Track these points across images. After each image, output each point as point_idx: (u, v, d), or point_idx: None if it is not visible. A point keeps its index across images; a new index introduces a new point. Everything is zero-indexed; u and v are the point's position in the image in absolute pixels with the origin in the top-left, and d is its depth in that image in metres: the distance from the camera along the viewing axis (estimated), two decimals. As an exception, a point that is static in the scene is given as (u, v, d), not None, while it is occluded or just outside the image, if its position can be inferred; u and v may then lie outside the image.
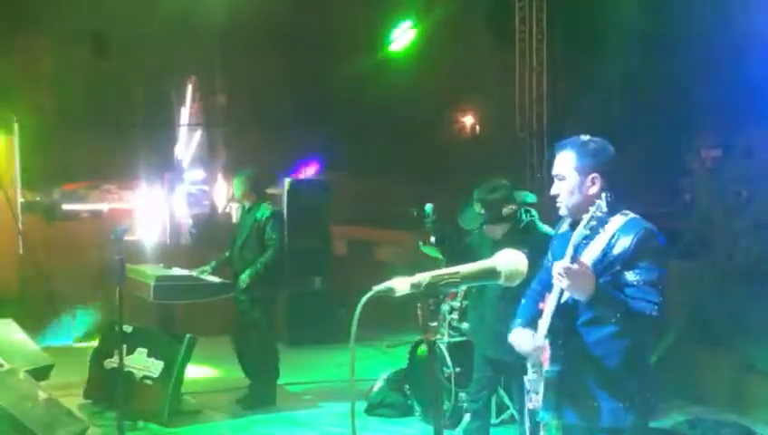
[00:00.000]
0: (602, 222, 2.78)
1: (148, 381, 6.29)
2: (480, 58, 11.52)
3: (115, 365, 6.47)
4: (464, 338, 6.05)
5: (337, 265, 9.58)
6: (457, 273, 2.13)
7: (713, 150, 8.18)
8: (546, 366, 2.91)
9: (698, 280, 7.12)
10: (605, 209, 2.75)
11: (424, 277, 2.08)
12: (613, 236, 2.88)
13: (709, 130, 7.46)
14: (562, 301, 2.89)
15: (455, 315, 6.29)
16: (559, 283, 2.79)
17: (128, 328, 6.42)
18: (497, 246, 4.73)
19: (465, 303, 6.04)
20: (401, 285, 2.07)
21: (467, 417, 5.06)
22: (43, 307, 9.43)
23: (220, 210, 14.92)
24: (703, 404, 6.40)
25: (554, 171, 3.07)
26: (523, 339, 3.07)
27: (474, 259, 4.76)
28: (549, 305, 2.92)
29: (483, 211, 4.72)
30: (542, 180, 9.99)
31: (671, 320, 6.99)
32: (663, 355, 6.77)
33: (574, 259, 2.78)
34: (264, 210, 6.64)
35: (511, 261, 2.16)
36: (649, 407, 2.97)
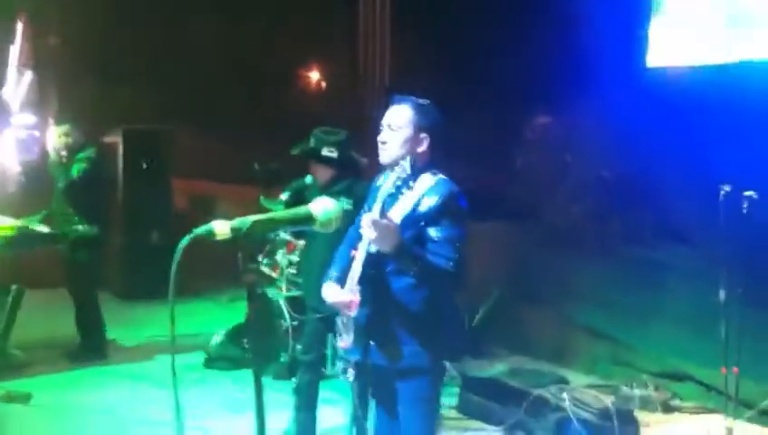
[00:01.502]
0: (406, 182, 2.99)
1: (-28, 335, 6.02)
2: (324, 11, 11.48)
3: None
4: (301, 292, 6.16)
5: (177, 219, 9.39)
6: (273, 218, 2.19)
7: (544, 118, 8.62)
8: (355, 311, 3.09)
9: (523, 241, 7.56)
10: (408, 172, 2.97)
11: (245, 221, 2.12)
12: (422, 194, 3.10)
13: (538, 96, 7.83)
14: (371, 251, 3.05)
15: (292, 269, 6.38)
16: (366, 235, 2.94)
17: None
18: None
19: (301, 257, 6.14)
20: (222, 227, 2.10)
21: (301, 369, 5.17)
22: None
23: (51, 157, 14.19)
24: (524, 355, 6.86)
25: (387, 121, 3.21)
26: (331, 292, 3.22)
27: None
28: (359, 254, 3.09)
29: (320, 148, 4.78)
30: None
31: (496, 278, 7.42)
32: (489, 312, 7.20)
33: (382, 213, 2.97)
34: (80, 163, 6.47)
35: (325, 209, 2.25)
36: (445, 350, 3.25)
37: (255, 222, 2.13)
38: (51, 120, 7.00)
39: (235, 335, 6.63)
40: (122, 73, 10.37)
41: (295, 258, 6.39)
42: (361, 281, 3.07)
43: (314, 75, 12.85)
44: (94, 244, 6.55)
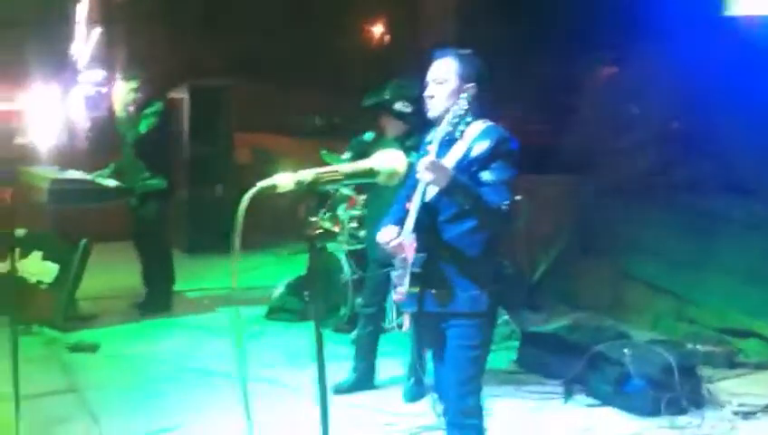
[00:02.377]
0: (463, 120, 3.07)
1: (43, 286, 6.23)
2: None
3: (5, 270, 6.39)
4: (362, 246, 6.19)
5: (240, 173, 9.51)
6: (337, 171, 2.18)
7: (606, 66, 8.39)
8: (411, 258, 3.12)
9: (584, 193, 7.42)
10: (466, 107, 3.05)
11: (307, 175, 2.12)
12: (473, 140, 3.13)
13: (604, 44, 7.62)
14: (426, 199, 3.11)
15: (354, 223, 6.41)
16: (422, 177, 2.97)
17: (21, 232, 6.30)
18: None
19: (365, 211, 6.15)
20: (285, 180, 2.10)
21: (361, 321, 5.22)
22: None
23: (118, 113, 14.43)
24: (584, 311, 6.78)
25: (432, 75, 3.25)
26: (387, 234, 3.24)
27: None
28: (414, 203, 3.14)
29: (395, 102, 4.76)
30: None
31: (557, 232, 7.32)
32: (550, 266, 7.12)
33: (437, 155, 3.03)
34: (147, 118, 6.55)
35: (389, 161, 2.21)
36: (501, 293, 3.27)
37: (318, 175, 2.14)
38: (118, 76, 7.08)
39: (295, 288, 6.73)
40: (187, 28, 10.47)
41: (357, 213, 6.41)
42: (416, 229, 3.12)
43: (376, 28, 12.76)
44: (162, 197, 6.64)
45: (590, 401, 5.00)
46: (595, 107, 8.14)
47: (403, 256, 3.15)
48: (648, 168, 7.28)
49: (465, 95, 3.08)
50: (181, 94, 9.59)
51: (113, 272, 7.07)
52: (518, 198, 3.16)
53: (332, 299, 6.33)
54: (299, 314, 6.61)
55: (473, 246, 3.14)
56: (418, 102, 4.82)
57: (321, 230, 2.09)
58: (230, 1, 10.87)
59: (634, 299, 6.78)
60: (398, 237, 3.17)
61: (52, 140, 12.89)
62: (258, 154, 10.78)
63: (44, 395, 4.87)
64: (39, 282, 6.23)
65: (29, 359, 5.39)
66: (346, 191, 6.59)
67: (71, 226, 6.70)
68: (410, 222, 3.14)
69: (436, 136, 3.15)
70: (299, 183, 2.10)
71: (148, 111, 6.57)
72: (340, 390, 5.05)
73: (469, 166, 3.11)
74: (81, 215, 6.90)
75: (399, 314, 6.17)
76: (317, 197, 2.11)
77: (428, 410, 4.77)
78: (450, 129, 3.09)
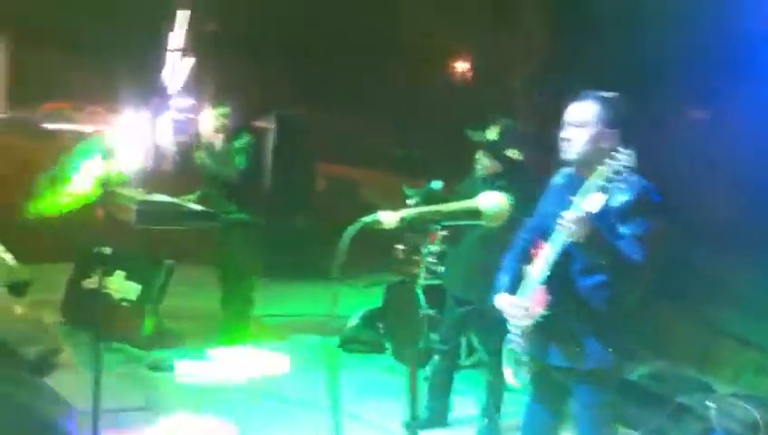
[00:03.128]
0: (616, 178, 2.81)
1: (126, 304, 6.37)
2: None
3: (92, 286, 6.57)
4: (440, 281, 6.15)
5: (317, 202, 9.63)
6: (440, 211, 2.18)
7: (696, 107, 8.21)
8: (538, 310, 3.04)
9: (667, 238, 7.22)
10: (623, 163, 2.79)
11: (410, 212, 2.13)
12: (614, 190, 2.96)
13: (696, 86, 7.46)
14: (559, 250, 2.99)
15: (432, 259, 6.37)
16: (565, 231, 2.87)
17: (107, 250, 6.47)
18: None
19: (443, 247, 6.12)
20: (388, 217, 2.12)
21: (436, 358, 5.17)
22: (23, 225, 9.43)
23: (205, 139, 14.80)
24: (665, 359, 6.56)
25: (570, 118, 3.12)
26: (506, 302, 3.16)
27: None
28: (546, 253, 3.02)
29: (504, 146, 4.72)
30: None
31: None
32: (632, 309, 6.93)
33: (582, 209, 2.88)
34: (239, 141, 6.64)
35: (494, 203, 2.19)
36: (629, 351, 3.21)
37: (422, 213, 2.15)
38: (207, 104, 7.19)
39: (369, 319, 6.73)
40: (273, 59, 10.72)
41: (436, 248, 6.37)
42: (545, 281, 3.02)
43: (462, 65, 12.82)
44: (246, 225, 6.70)
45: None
46: (683, 148, 7.96)
47: (527, 316, 3.06)
48: (737, 214, 7.07)
49: (625, 153, 2.81)
50: (266, 123, 9.77)
51: (194, 294, 7.18)
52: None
53: (409, 334, 6.29)
54: (372, 346, 6.60)
55: (602, 301, 3.02)
56: (521, 146, 4.80)
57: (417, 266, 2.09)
58: (315, 33, 11.09)
59: (716, 350, 6.54)
60: (521, 301, 3.08)
61: (139, 163, 13.32)
62: (335, 184, 10.89)
63: (123, 411, 4.94)
64: (122, 299, 6.38)
65: (110, 374, 5.51)
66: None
67: (155, 246, 6.85)
68: (540, 272, 3.04)
69: (584, 190, 2.90)
70: (402, 220, 2.12)
71: (238, 143, 6.62)
72: (412, 426, 4.98)
73: (608, 217, 2.96)
74: (165, 236, 7.04)
75: (472, 351, 6.11)
76: (417, 232, 2.10)
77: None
78: (602, 184, 2.84)
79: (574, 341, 3.05)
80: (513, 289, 3.20)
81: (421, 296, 6.22)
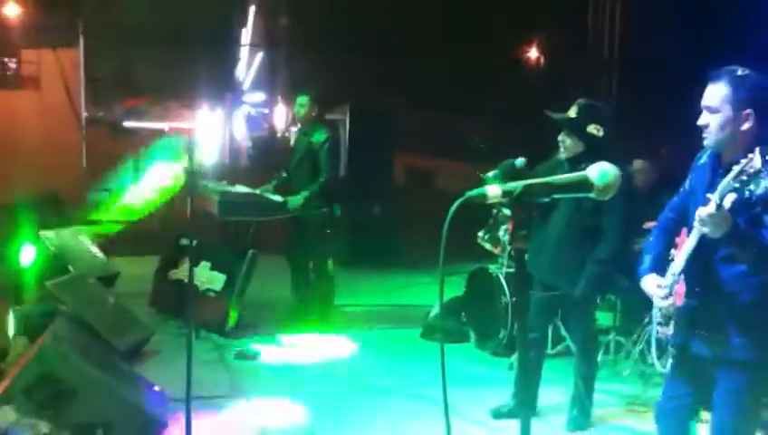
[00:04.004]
0: (754, 179, 2.68)
1: (211, 294, 6.47)
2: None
3: (179, 276, 6.70)
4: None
5: (395, 192, 9.61)
6: (549, 183, 2.10)
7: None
8: (681, 300, 2.99)
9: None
10: (758, 166, 2.65)
11: (517, 185, 2.07)
12: (756, 176, 2.79)
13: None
14: (700, 240, 2.90)
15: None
16: (702, 226, 2.79)
17: (192, 241, 6.57)
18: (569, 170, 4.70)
19: (527, 233, 6.02)
20: (494, 190, 2.06)
21: (523, 347, 5.07)
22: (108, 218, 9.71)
23: (279, 133, 14.98)
24: None
25: (705, 102, 2.98)
26: (651, 283, 3.11)
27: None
28: (687, 243, 2.95)
29: (587, 124, 4.64)
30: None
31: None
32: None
33: (719, 206, 2.74)
34: (320, 134, 6.64)
35: (602, 173, 2.10)
36: None
37: (527, 185, 2.08)
38: (284, 96, 7.25)
39: (452, 308, 6.67)
40: (348, 51, 10.73)
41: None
42: (687, 270, 2.96)
43: (539, 50, 12.63)
44: (325, 215, 6.72)
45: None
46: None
47: (670, 296, 3.02)
48: None
49: (757, 151, 2.65)
50: (340, 115, 9.80)
51: (277, 283, 7.23)
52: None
53: (492, 322, 6.22)
54: (455, 335, 6.54)
55: (748, 290, 2.92)
56: (606, 127, 4.69)
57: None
58: (392, 24, 11.07)
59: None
60: (667, 287, 3.02)
61: (218, 157, 13.56)
62: (411, 174, 10.84)
63: (211, 398, 5.01)
64: (208, 290, 6.48)
65: (196, 362, 5.59)
66: (507, 212, 6.49)
67: (238, 237, 6.93)
68: (679, 263, 2.98)
69: (721, 187, 2.75)
70: (507, 193, 2.05)
71: (317, 136, 6.64)
72: (499, 415, 4.93)
73: (752, 205, 2.83)
74: (247, 227, 7.13)
75: (559, 340, 6.00)
76: (524, 207, 2.02)
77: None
78: (737, 186, 2.70)
79: (718, 330, 2.97)
80: (657, 269, 3.14)
81: (504, 284, 6.14)
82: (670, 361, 3.17)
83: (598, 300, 6.11)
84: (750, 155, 2.67)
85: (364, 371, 5.76)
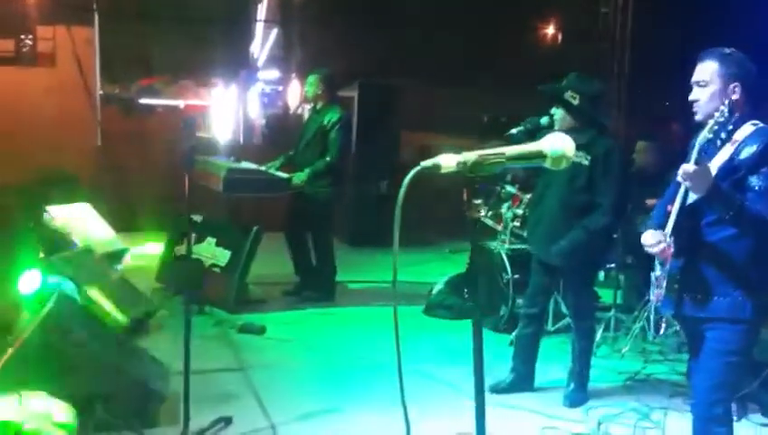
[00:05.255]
0: (724, 127, 2.93)
1: (216, 270, 6.55)
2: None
3: (185, 253, 6.77)
4: (525, 246, 6.07)
5: (402, 169, 9.60)
6: (503, 153, 2.08)
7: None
8: (669, 262, 3.12)
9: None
10: (726, 115, 2.89)
11: (470, 156, 2.06)
12: (741, 143, 3.04)
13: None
14: (688, 202, 3.08)
15: (517, 223, 6.31)
16: (683, 182, 2.94)
17: (198, 218, 6.66)
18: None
19: (527, 211, 6.03)
20: (448, 161, 2.05)
21: (522, 322, 5.11)
22: (120, 197, 9.77)
23: (293, 111, 14.98)
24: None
25: (695, 78, 3.17)
26: (650, 237, 3.19)
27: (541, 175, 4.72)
28: (675, 205, 3.12)
29: (564, 91, 4.65)
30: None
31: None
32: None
33: (698, 161, 2.93)
34: (333, 113, 6.66)
35: (558, 144, 2.09)
36: (765, 304, 3.11)
37: (482, 156, 2.06)
38: (298, 74, 7.24)
39: (454, 285, 6.71)
40: (357, 28, 10.69)
41: (520, 212, 6.30)
42: (675, 232, 3.10)
43: (551, 29, 12.53)
44: (331, 192, 6.75)
45: (766, 420, 4.67)
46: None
47: (664, 258, 3.13)
48: None
49: (725, 102, 2.94)
50: (350, 92, 9.80)
51: (281, 260, 7.29)
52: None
53: (494, 298, 6.25)
54: (457, 312, 6.58)
55: (735, 253, 3.07)
56: (590, 100, 4.70)
57: (482, 215, 2.02)
58: (399, 1, 11.02)
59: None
60: (662, 242, 3.12)
61: (230, 134, 13.60)
62: (420, 151, 10.83)
63: (214, 371, 5.10)
64: (213, 265, 6.55)
65: (201, 337, 5.71)
66: (510, 189, 6.50)
67: (243, 213, 6.99)
68: (670, 224, 3.12)
69: (699, 136, 3.02)
70: (462, 163, 2.03)
71: (331, 118, 6.64)
72: (497, 390, 4.97)
73: (735, 170, 3.03)
74: (252, 204, 7.19)
75: (560, 316, 6.02)
76: (480, 180, 2.02)
77: (586, 418, 4.63)
78: (711, 136, 2.97)
79: (704, 290, 3.10)
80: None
81: (506, 261, 6.16)
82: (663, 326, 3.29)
83: (600, 276, 6.13)
84: (722, 107, 2.91)
85: (365, 346, 5.81)
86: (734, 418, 4.63)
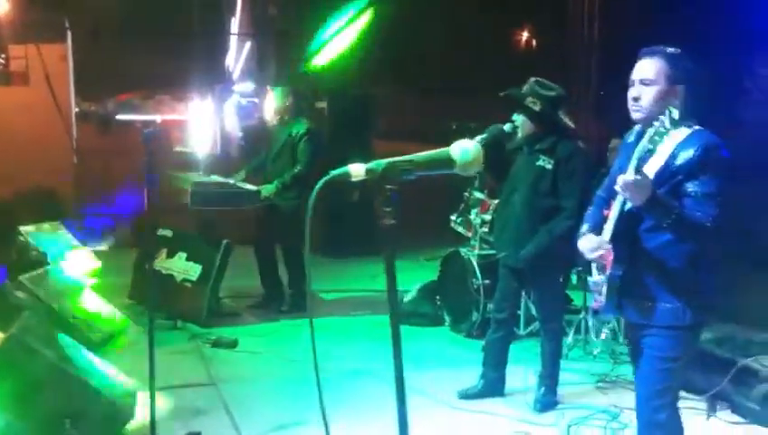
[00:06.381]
0: (662, 136, 2.82)
1: (188, 284, 6.52)
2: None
3: (156, 268, 6.75)
4: (494, 251, 6.09)
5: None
6: (411, 160, 2.09)
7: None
8: (609, 269, 3.06)
9: (748, 203, 6.93)
10: (668, 126, 2.79)
11: (380, 163, 2.06)
12: (678, 147, 2.95)
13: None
14: (626, 209, 3.01)
15: (485, 228, 6.33)
16: (621, 193, 2.89)
17: (168, 232, 6.64)
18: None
19: (495, 216, 6.05)
20: (357, 169, 2.05)
21: (492, 327, 5.12)
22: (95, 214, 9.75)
23: (269, 123, 14.93)
24: (735, 323, 6.35)
25: (638, 75, 3.07)
26: (587, 243, 3.16)
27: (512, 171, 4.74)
28: (612, 212, 3.05)
29: (526, 96, 4.68)
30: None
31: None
32: (710, 267, 6.69)
33: (638, 171, 2.85)
34: (300, 126, 6.69)
35: (463, 150, 2.09)
36: (707, 307, 3.11)
37: (391, 163, 2.07)
38: (269, 86, 7.26)
39: (427, 292, 6.71)
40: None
41: (488, 217, 6.33)
42: (614, 239, 3.04)
43: (518, 34, 12.62)
44: (299, 203, 6.74)
45: (735, 417, 4.71)
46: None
47: (603, 264, 3.08)
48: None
49: (670, 109, 2.82)
50: (320, 103, 9.84)
51: (252, 273, 7.28)
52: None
53: (465, 304, 6.26)
54: (431, 319, 6.59)
55: (675, 258, 3.01)
56: (551, 104, 4.72)
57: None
58: (378, 12, 11.04)
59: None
60: (600, 247, 3.08)
61: (207, 148, 13.57)
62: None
63: (185, 387, 5.08)
64: (185, 280, 6.53)
65: (174, 352, 5.70)
66: (479, 195, 6.53)
67: (213, 227, 6.98)
68: (608, 231, 3.06)
69: (639, 145, 2.90)
70: (370, 171, 2.04)
71: (298, 130, 6.66)
72: (468, 396, 4.98)
73: (673, 175, 2.95)
74: (222, 217, 7.17)
75: (531, 320, 6.05)
76: (393, 184, 2.01)
77: (557, 421, 4.64)
78: (651, 147, 2.86)
79: (647, 297, 3.06)
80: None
81: (476, 266, 6.18)
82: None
83: (573, 278, 6.15)
84: (662, 117, 2.79)
85: (339, 356, 5.79)
86: (704, 416, 4.71)
